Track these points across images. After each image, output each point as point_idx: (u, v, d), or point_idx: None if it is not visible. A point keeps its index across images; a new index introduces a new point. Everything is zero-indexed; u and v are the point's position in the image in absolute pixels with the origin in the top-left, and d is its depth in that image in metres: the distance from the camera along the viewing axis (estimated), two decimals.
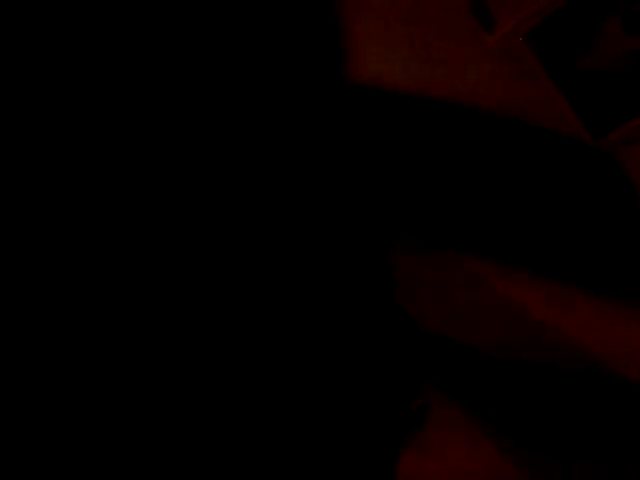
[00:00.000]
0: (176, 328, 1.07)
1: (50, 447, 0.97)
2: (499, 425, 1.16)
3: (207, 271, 1.11)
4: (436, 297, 1.19)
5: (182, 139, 1.18)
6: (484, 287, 1.15)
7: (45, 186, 1.08)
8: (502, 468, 1.14)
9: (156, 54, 1.19)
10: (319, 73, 1.26)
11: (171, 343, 1.07)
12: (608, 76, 1.23)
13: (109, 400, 1.02)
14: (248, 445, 1.06)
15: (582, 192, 1.23)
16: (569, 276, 1.19)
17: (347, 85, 1.27)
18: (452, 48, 1.33)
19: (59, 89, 1.13)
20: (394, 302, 1.12)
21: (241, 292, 1.12)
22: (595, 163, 1.23)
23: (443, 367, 1.14)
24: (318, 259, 1.13)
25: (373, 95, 1.27)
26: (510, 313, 1.14)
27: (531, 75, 1.28)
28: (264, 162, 1.19)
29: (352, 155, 1.24)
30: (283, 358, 1.07)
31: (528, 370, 1.15)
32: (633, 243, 1.19)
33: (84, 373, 1.01)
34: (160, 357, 1.06)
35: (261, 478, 1.07)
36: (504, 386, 1.16)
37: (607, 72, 1.23)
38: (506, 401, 1.16)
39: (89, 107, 1.14)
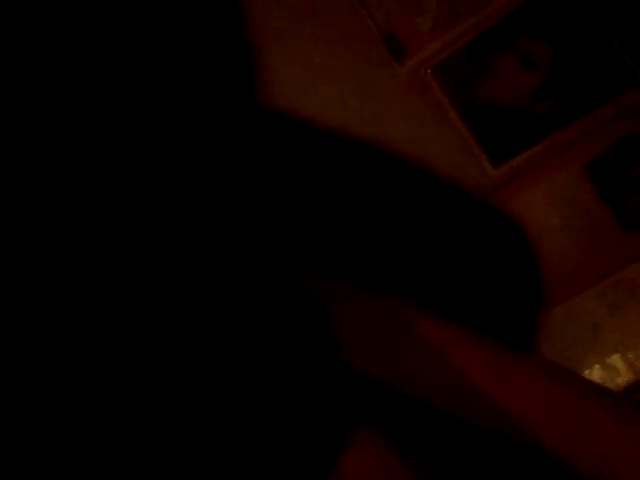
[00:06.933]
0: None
1: (48, 447, 0.98)
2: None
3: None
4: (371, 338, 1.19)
5: None
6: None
7: (39, 186, 1.07)
8: None
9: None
10: (231, 88, 1.29)
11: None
12: (506, 110, 1.33)
13: (105, 400, 1.02)
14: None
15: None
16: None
17: (258, 106, 1.31)
18: (366, 76, 1.39)
19: (55, 89, 1.10)
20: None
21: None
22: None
23: (378, 410, 1.12)
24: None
25: (281, 119, 1.32)
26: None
27: (437, 106, 1.37)
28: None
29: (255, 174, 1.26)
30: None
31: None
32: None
33: (76, 374, 1.02)
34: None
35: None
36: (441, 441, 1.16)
37: (505, 106, 1.33)
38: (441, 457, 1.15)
39: (85, 107, 1.14)
